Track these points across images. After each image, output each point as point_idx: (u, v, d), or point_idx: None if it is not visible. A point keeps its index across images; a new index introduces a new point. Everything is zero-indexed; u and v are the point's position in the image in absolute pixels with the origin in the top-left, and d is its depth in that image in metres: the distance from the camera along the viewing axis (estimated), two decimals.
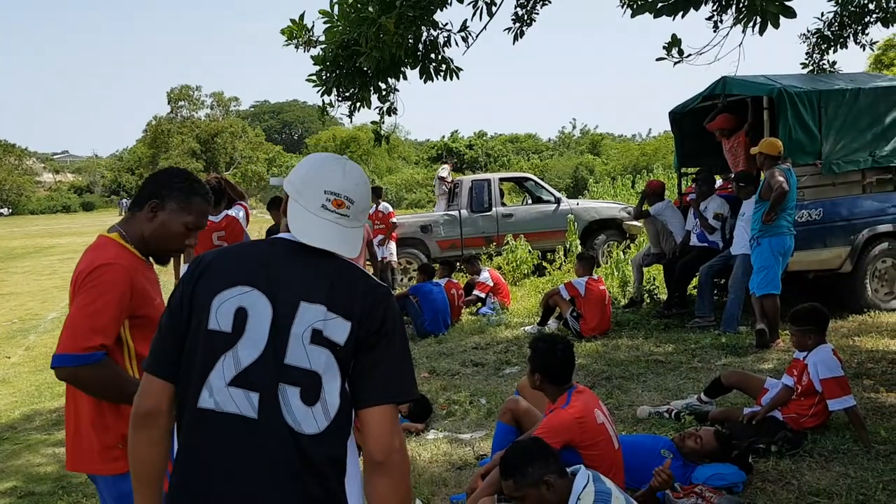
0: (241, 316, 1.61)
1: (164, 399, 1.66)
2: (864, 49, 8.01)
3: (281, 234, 1.77)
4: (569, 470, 2.94)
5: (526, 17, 6.27)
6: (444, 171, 13.57)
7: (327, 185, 1.72)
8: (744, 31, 3.69)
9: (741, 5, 3.71)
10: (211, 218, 4.78)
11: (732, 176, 7.85)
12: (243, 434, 1.56)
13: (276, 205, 8.64)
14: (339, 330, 1.60)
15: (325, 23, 5.07)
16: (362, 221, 1.79)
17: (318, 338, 1.59)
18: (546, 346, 3.62)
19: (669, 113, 8.92)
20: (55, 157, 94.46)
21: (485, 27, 5.58)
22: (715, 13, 4.27)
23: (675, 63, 3.82)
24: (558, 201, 12.66)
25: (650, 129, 57.59)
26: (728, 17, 4.11)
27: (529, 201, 13.58)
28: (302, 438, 1.56)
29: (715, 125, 8.05)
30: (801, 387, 4.35)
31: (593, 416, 3.41)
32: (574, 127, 54.60)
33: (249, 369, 1.58)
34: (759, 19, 3.40)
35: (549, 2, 6.17)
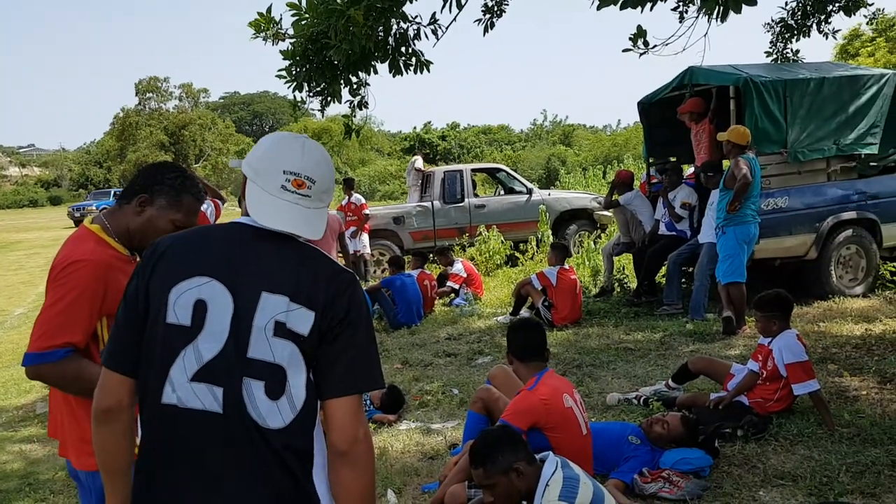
0: (200, 308, 1.55)
1: (125, 394, 1.62)
2: (826, 38, 8.17)
3: (240, 219, 1.70)
4: (538, 457, 2.97)
5: (496, 9, 6.29)
6: (419, 162, 13.57)
7: (286, 165, 1.66)
8: (708, 20, 3.74)
9: None
10: None
11: (697, 165, 7.95)
12: (209, 429, 1.53)
13: None
14: (303, 321, 1.56)
15: (293, 15, 5.03)
16: (325, 202, 1.73)
17: (281, 330, 1.55)
18: (518, 324, 3.76)
19: (638, 103, 9.00)
20: (21, 150, 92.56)
21: (454, 19, 5.60)
22: (680, 3, 4.32)
23: (641, 54, 3.86)
24: (530, 192, 12.73)
25: (619, 121, 57.92)
26: (693, 8, 4.15)
27: (502, 192, 13.63)
28: (268, 433, 1.54)
29: (686, 108, 8.14)
30: (766, 372, 4.44)
31: (560, 400, 3.46)
32: (545, 118, 54.80)
33: (211, 364, 1.54)
34: (721, 7, 3.45)
35: None
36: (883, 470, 3.65)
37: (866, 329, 6.39)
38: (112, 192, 39.14)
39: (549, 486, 2.77)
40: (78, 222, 30.80)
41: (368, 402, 5.33)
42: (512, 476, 2.84)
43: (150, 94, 62.99)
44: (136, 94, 62.60)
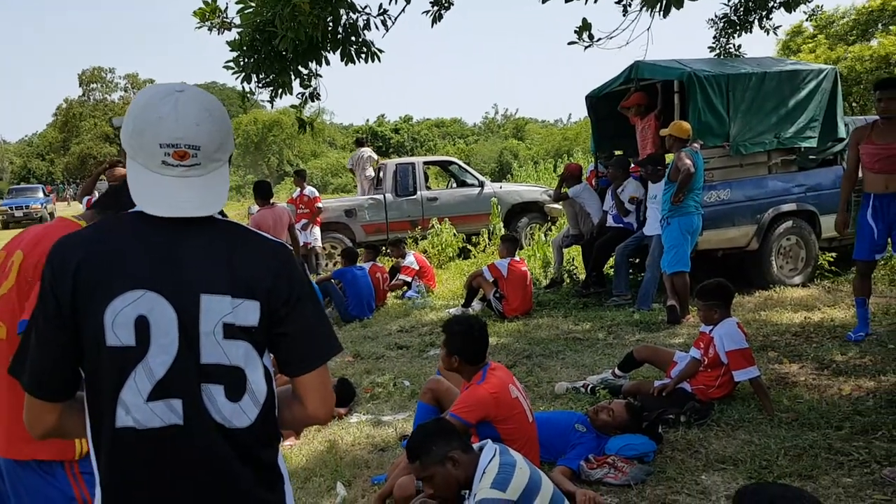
0: (142, 325, 1.43)
1: (54, 417, 1.52)
2: (767, 34, 8.37)
3: (140, 208, 1.52)
4: (476, 445, 3.00)
5: (444, 1, 6.28)
6: (369, 151, 13.47)
7: (161, 136, 1.46)
8: (651, 15, 3.81)
9: None
10: None
11: (640, 159, 8.09)
12: (173, 443, 1.47)
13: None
14: (250, 313, 1.49)
15: (238, 3, 4.96)
16: (222, 160, 1.56)
17: (230, 331, 1.48)
18: (460, 327, 3.67)
19: (586, 97, 9.10)
20: None
21: (402, 10, 5.58)
22: None
23: (586, 47, 3.92)
24: (482, 185, 12.79)
25: (570, 115, 58.47)
26: (637, 2, 4.23)
27: (454, 185, 13.67)
28: (235, 433, 1.50)
29: (630, 102, 8.26)
30: (707, 359, 4.55)
31: (507, 392, 3.50)
32: (496, 112, 54.99)
33: (166, 378, 1.45)
34: (662, 3, 3.51)
35: None
36: (820, 453, 3.77)
37: (805, 317, 6.59)
38: (41, 189, 34.91)
39: (485, 474, 2.80)
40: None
41: None
42: (448, 466, 2.86)
43: (95, 85, 61.45)
44: (80, 85, 61.02)
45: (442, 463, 2.86)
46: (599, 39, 3.92)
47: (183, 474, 1.48)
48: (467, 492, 2.90)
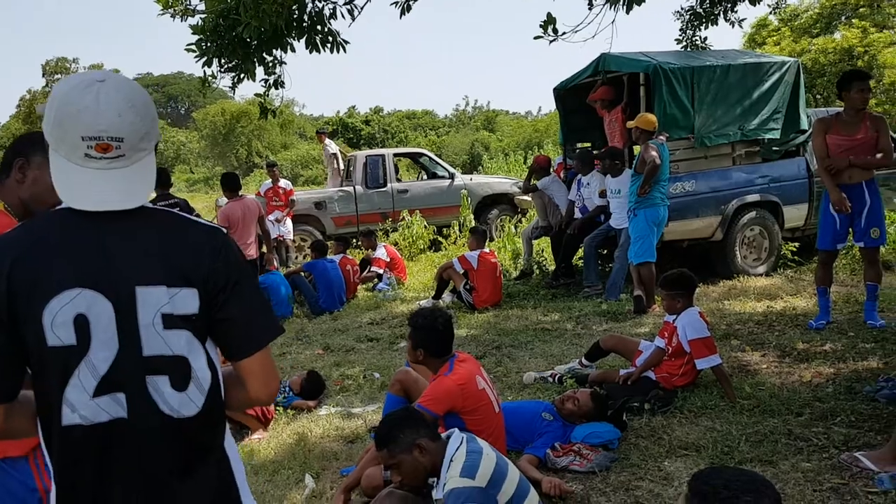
0: (81, 323, 1.43)
1: (1, 419, 1.50)
2: (732, 27, 8.47)
3: (66, 204, 1.50)
4: (444, 434, 3.03)
5: None
6: (333, 146, 13.46)
7: (83, 129, 1.43)
8: (614, 10, 3.85)
9: None
10: None
11: (598, 152, 8.16)
12: (119, 436, 1.48)
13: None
14: (188, 301, 1.49)
15: None
16: (147, 149, 1.53)
17: (170, 321, 1.47)
18: (425, 321, 3.68)
19: (553, 89, 9.14)
20: None
21: (368, 1, 5.55)
22: None
23: (551, 41, 3.94)
24: (452, 177, 12.82)
25: (540, 108, 58.67)
26: None
27: (424, 177, 13.67)
28: (183, 423, 1.51)
29: (596, 96, 8.33)
30: (671, 348, 4.63)
31: (475, 383, 3.53)
32: (467, 104, 55.08)
33: (110, 374, 1.45)
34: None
35: None
36: (780, 438, 3.86)
37: (768, 306, 6.72)
38: None
39: (453, 462, 2.83)
40: None
41: (288, 388, 5.30)
42: (415, 453, 2.89)
43: (59, 76, 60.30)
44: (44, 76, 59.87)
45: (409, 451, 2.89)
46: (564, 34, 3.95)
47: (130, 465, 1.49)
48: (435, 480, 2.93)
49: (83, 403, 1.44)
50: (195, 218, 1.60)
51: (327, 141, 13.63)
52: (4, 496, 2.15)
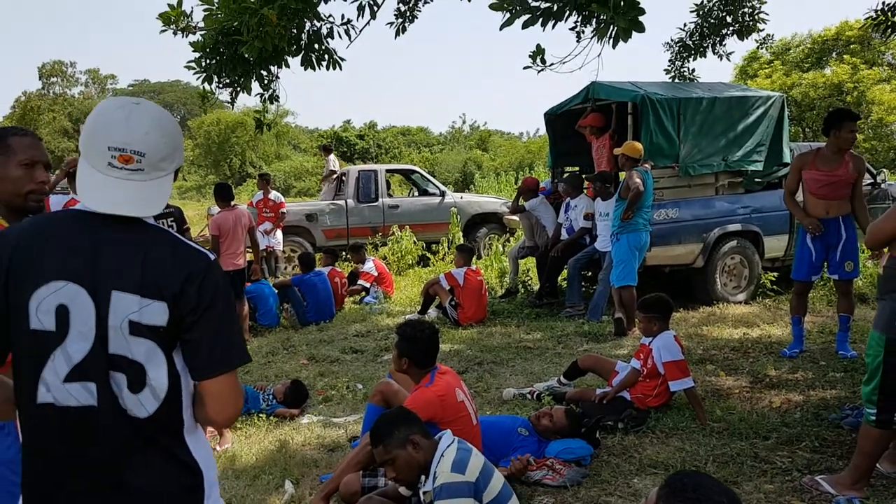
0: (62, 313, 1.56)
1: None
2: (721, 59, 8.72)
3: (80, 205, 1.66)
4: (436, 436, 3.18)
5: (408, 14, 6.44)
6: (334, 163, 13.61)
7: (110, 140, 1.59)
8: (601, 44, 4.02)
9: (600, 18, 4.03)
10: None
11: (590, 175, 8.33)
12: (86, 423, 1.59)
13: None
14: (157, 314, 1.59)
15: (204, 10, 5.05)
16: (166, 170, 1.68)
17: (136, 329, 1.58)
18: (412, 331, 3.83)
19: (544, 114, 9.35)
20: None
21: (367, 24, 5.71)
22: (578, 24, 4.60)
23: (539, 71, 4.11)
24: (443, 194, 12.99)
25: (538, 129, 59.04)
26: (589, 29, 4.44)
27: (416, 193, 13.84)
28: (137, 421, 1.61)
29: (586, 122, 8.53)
30: (646, 369, 4.77)
31: (454, 394, 3.66)
32: (464, 122, 55.35)
33: (83, 363, 1.57)
34: (612, 34, 3.73)
35: (430, 0, 6.36)
36: (746, 461, 3.99)
37: (744, 333, 6.87)
38: None
39: (444, 457, 2.98)
40: None
41: (272, 396, 5.40)
42: (409, 448, 3.03)
43: (55, 79, 60.37)
44: (40, 78, 59.90)
45: (404, 446, 3.04)
46: (552, 64, 4.12)
47: (95, 450, 1.61)
48: (424, 477, 3.07)
49: (55, 386, 1.58)
50: (187, 240, 1.70)
51: (332, 157, 13.77)
52: None
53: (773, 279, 8.36)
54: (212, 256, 1.70)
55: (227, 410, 1.70)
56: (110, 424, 1.60)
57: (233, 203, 8.18)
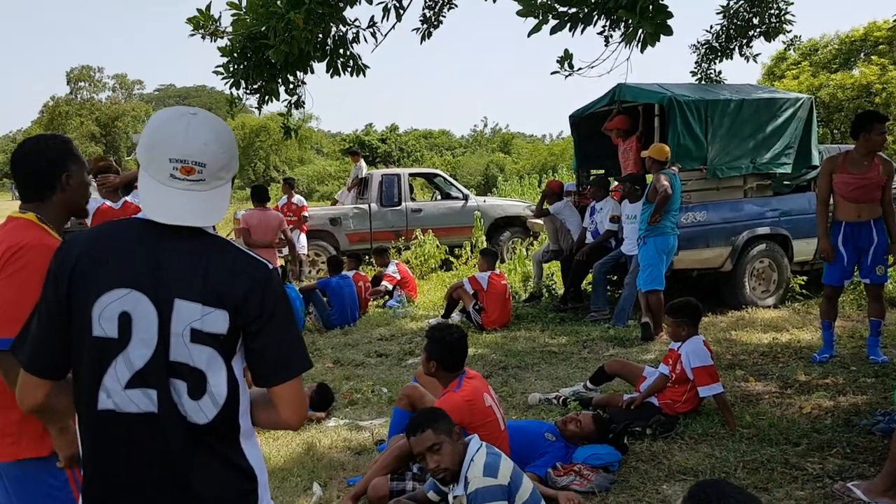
0: (125, 320, 1.59)
1: (42, 393, 1.69)
2: (748, 61, 8.64)
3: (142, 214, 1.68)
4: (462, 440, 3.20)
5: (433, 20, 6.46)
6: (364, 171, 13.59)
7: (171, 152, 1.62)
8: (629, 48, 4.00)
9: (628, 23, 4.01)
10: (110, 204, 4.74)
11: (620, 177, 8.28)
12: (146, 429, 1.61)
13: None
14: (218, 322, 1.61)
15: (232, 15, 5.10)
16: (225, 178, 1.71)
17: (197, 336, 1.60)
18: (441, 334, 3.82)
19: (569, 116, 9.32)
20: None
21: (393, 27, 5.73)
22: (606, 28, 4.59)
23: (567, 76, 4.09)
24: (466, 198, 12.99)
25: (561, 131, 58.77)
26: (618, 33, 4.42)
27: (439, 197, 13.84)
28: (197, 428, 1.63)
29: (613, 125, 8.48)
30: (675, 375, 4.72)
31: (482, 399, 3.65)
32: (486, 125, 55.32)
33: (144, 370, 1.60)
34: (641, 38, 3.71)
35: (455, 5, 6.37)
36: (776, 467, 3.94)
37: (774, 338, 6.79)
38: None
39: (474, 461, 2.98)
40: None
41: None
42: (453, 437, 3.04)
43: (83, 84, 61.32)
44: (68, 83, 60.91)
45: (450, 433, 3.04)
46: (580, 69, 4.10)
47: (155, 456, 1.63)
48: (453, 485, 3.06)
49: (116, 392, 1.60)
50: (248, 251, 1.73)
51: (361, 163, 13.71)
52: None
53: (802, 283, 8.25)
54: (271, 266, 1.72)
55: (299, 411, 1.73)
56: (170, 430, 1.62)
57: (266, 206, 8.45)
